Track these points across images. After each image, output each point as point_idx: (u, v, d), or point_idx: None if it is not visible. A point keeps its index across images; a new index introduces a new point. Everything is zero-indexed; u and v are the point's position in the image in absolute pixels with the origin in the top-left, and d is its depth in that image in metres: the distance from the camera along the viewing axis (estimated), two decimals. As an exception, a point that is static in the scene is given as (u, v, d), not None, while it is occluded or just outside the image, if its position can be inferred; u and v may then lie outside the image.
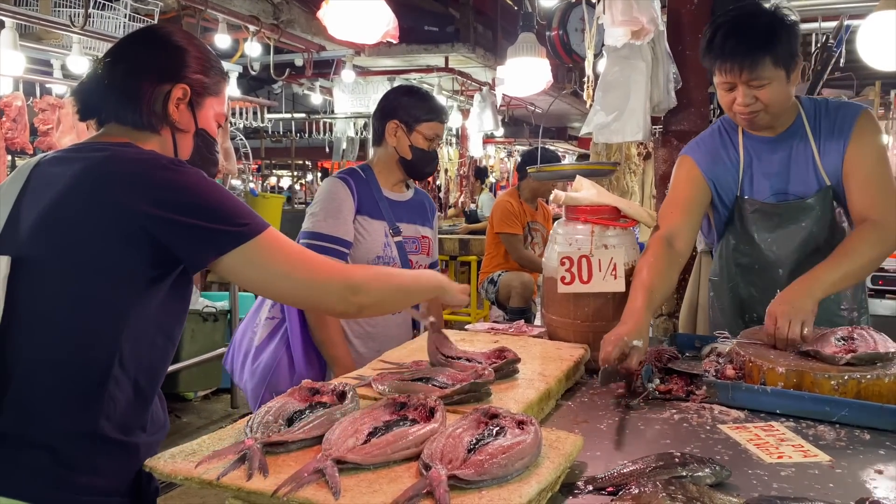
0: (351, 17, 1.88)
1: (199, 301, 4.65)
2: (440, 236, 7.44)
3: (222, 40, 4.53)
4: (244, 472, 1.09)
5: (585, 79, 2.60)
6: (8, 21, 3.45)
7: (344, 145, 8.01)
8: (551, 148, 7.39)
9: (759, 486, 1.16)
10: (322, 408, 1.30)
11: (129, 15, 4.38)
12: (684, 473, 1.13)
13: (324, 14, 1.89)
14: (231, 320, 4.83)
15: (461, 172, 8.78)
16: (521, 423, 1.21)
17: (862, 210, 1.80)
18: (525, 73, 3.03)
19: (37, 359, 1.21)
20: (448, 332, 2.03)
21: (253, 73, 5.00)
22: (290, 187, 17.06)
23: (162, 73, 1.38)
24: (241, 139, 5.16)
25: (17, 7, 3.58)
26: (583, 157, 6.83)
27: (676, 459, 1.17)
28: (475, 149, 9.49)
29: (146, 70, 1.37)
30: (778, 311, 1.62)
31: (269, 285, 1.35)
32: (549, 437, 1.23)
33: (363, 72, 7.45)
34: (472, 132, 8.52)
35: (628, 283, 1.81)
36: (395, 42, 2.40)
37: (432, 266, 2.53)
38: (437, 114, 2.30)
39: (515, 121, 11.57)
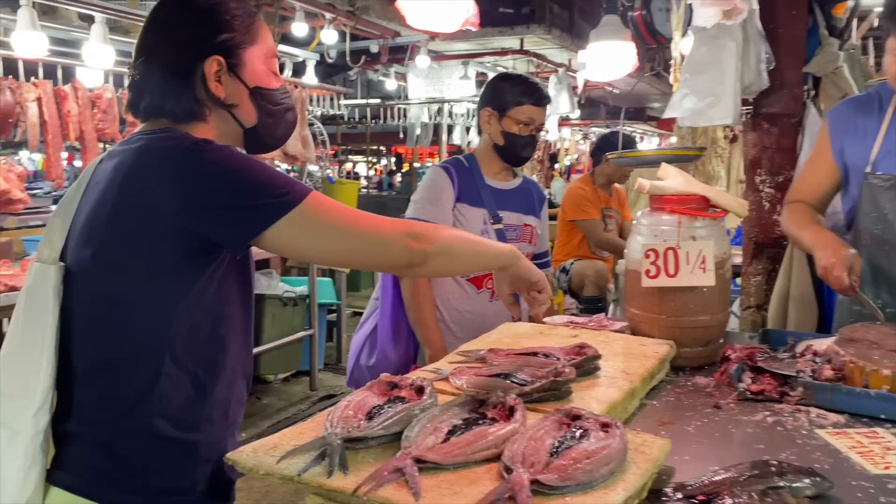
0: (430, 6, 1.85)
1: (279, 286, 4.76)
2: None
3: (299, 28, 4.58)
4: (324, 468, 1.08)
5: (672, 61, 2.48)
6: (98, 16, 3.58)
7: (418, 131, 8.02)
8: (628, 131, 7.19)
9: (865, 501, 1.09)
10: (400, 402, 1.29)
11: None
12: (782, 484, 1.07)
13: (402, 4, 1.86)
14: (310, 305, 4.92)
15: (535, 157, 8.65)
16: (605, 426, 1.16)
17: None
18: (609, 58, 2.93)
19: (92, 361, 1.20)
20: (524, 325, 2.00)
21: (329, 60, 5.03)
22: (390, 171, 17.14)
23: (184, 54, 1.25)
24: (318, 126, 5.22)
25: (106, 2, 3.70)
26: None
27: (773, 468, 1.10)
28: (551, 132, 9.34)
29: (167, 59, 1.26)
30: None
31: (325, 249, 1.23)
32: (635, 440, 1.18)
33: (437, 56, 7.42)
34: (548, 115, 8.39)
35: (718, 278, 1.73)
36: (474, 29, 2.36)
37: (539, 257, 2.49)
38: (529, 96, 2.26)
39: (591, 102, 11.30)
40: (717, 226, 1.78)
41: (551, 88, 7.68)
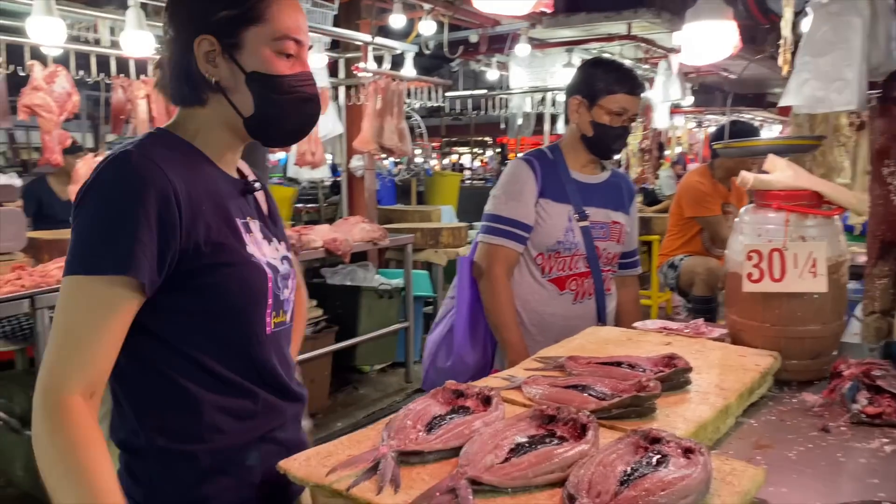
0: None
1: (375, 278, 4.78)
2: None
3: (397, 20, 4.56)
4: (375, 483, 1.02)
5: (782, 41, 2.25)
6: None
7: (519, 121, 7.86)
8: (747, 118, 6.76)
9: None
10: (464, 413, 1.21)
11: (312, 1, 4.53)
12: (897, 532, 0.91)
13: None
14: (405, 297, 4.93)
15: (643, 146, 8.29)
16: (687, 451, 1.04)
17: None
18: (707, 39, 2.70)
19: (115, 377, 1.13)
20: (612, 330, 1.86)
21: (427, 52, 4.99)
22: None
23: (178, 35, 1.17)
24: (416, 119, 5.20)
25: None
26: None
27: (887, 511, 0.94)
28: (661, 120, 8.93)
29: (171, 38, 1.19)
30: None
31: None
32: (723, 468, 1.05)
33: (540, 44, 7.24)
34: (657, 102, 8.02)
35: (832, 283, 1.54)
36: (548, 11, 2.24)
37: (627, 256, 2.34)
38: (623, 85, 2.09)
39: (707, 88, 10.76)
40: (831, 225, 1.58)
41: (660, 74, 7.36)
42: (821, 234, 1.55)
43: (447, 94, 8.23)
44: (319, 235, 4.19)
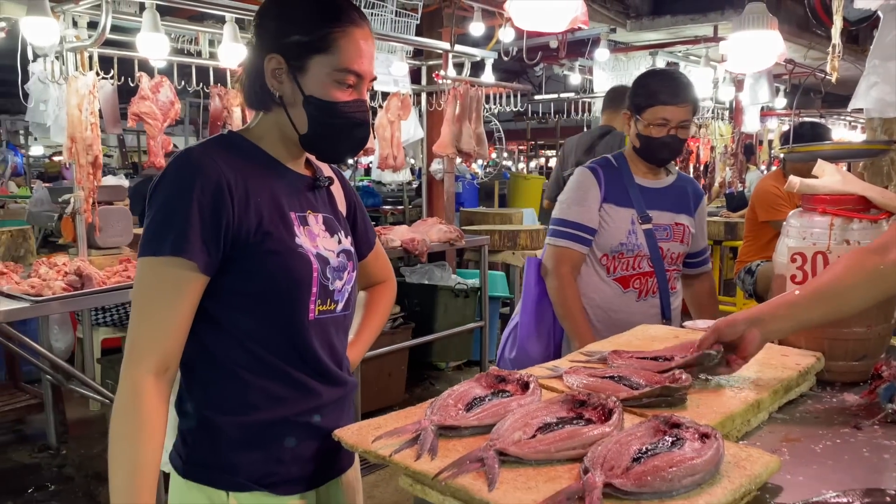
0: (537, 6, 1.85)
1: (452, 278, 4.93)
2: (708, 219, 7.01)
3: (477, 28, 4.69)
4: (415, 451, 1.15)
5: (831, 48, 2.24)
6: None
7: (602, 124, 7.84)
8: (821, 121, 6.51)
9: None
10: (502, 396, 1.33)
11: (395, 11, 4.73)
12: (898, 517, 0.97)
13: (510, 5, 1.88)
14: (481, 297, 5.05)
15: (729, 150, 8.10)
16: (704, 437, 1.11)
17: None
18: (752, 48, 2.71)
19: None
20: (661, 328, 1.93)
21: (505, 59, 5.10)
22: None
23: (258, 48, 1.29)
24: (495, 123, 5.32)
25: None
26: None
27: (888, 498, 1.00)
28: (751, 123, 8.70)
29: (252, 47, 1.32)
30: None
31: None
32: (739, 454, 1.13)
33: (624, 48, 7.22)
34: (746, 105, 7.84)
35: (876, 285, 1.57)
36: (585, 27, 2.31)
37: (694, 256, 2.42)
38: (662, 95, 2.16)
39: (803, 90, 10.37)
40: (878, 229, 1.60)
41: (748, 76, 7.18)
42: (866, 238, 1.57)
43: (536, 97, 8.32)
44: (398, 235, 4.37)
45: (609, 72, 7.42)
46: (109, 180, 3.64)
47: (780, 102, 9.32)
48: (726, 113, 9.27)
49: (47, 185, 6.33)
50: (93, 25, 3.48)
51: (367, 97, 1.35)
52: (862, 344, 1.61)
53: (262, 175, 1.30)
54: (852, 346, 1.61)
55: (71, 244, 3.87)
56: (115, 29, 3.72)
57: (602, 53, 5.71)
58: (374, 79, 1.36)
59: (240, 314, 1.28)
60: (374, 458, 1.17)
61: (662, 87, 2.18)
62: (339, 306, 1.38)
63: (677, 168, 2.42)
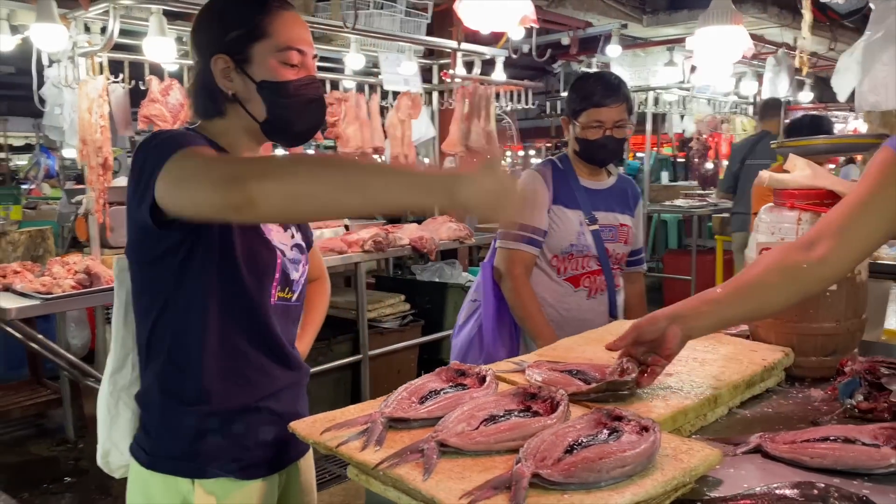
0: (486, 6, 1.87)
1: (462, 276, 4.95)
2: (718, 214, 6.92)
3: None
4: (363, 442, 1.18)
5: (797, 47, 2.21)
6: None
7: (621, 121, 7.79)
8: (823, 114, 6.39)
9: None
10: (458, 390, 1.35)
11: (405, 11, 4.76)
12: (818, 510, 0.97)
13: (460, 6, 1.90)
14: (492, 295, 5.06)
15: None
16: (643, 429, 1.13)
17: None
18: (718, 44, 2.70)
19: (140, 341, 1.40)
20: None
21: (513, 56, 5.11)
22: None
23: (200, 57, 1.36)
24: (507, 121, 5.33)
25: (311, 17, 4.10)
26: None
27: (816, 492, 1.00)
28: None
29: (194, 60, 1.38)
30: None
31: (180, 198, 1.15)
32: (680, 447, 1.14)
33: (643, 43, 7.17)
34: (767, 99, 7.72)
35: (845, 281, 1.56)
36: (536, 26, 2.31)
37: (633, 254, 2.46)
38: (593, 98, 2.19)
39: (828, 83, 10.17)
40: (848, 223, 1.59)
41: (768, 71, 7.08)
42: (834, 233, 1.56)
43: (562, 94, 8.26)
44: (406, 234, 4.41)
45: (627, 68, 7.39)
46: (121, 181, 3.72)
47: (807, 96, 9.17)
48: (749, 108, 9.16)
49: (77, 186, 6.49)
50: (106, 31, 3.57)
51: (315, 73, 1.39)
52: (831, 339, 1.60)
53: None
54: (821, 342, 1.60)
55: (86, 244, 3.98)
56: (126, 33, 3.82)
57: (614, 49, 5.67)
58: (316, 56, 1.40)
59: (207, 298, 1.31)
60: (323, 449, 1.21)
61: (594, 90, 2.20)
62: (295, 296, 1.45)
63: (619, 169, 2.48)
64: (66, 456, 3.99)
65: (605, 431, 1.13)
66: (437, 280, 4.90)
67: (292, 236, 1.47)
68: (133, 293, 1.38)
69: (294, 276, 1.44)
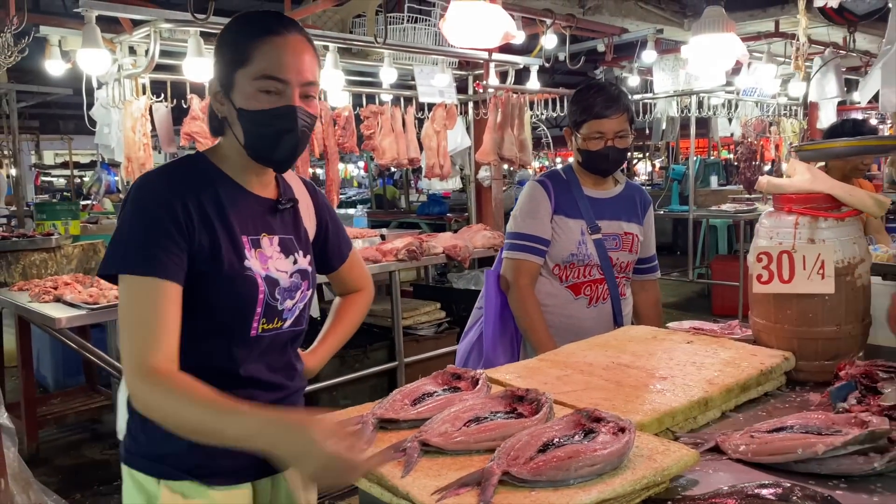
0: (470, 26, 1.91)
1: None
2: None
3: (517, 36, 4.75)
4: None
5: (794, 47, 2.19)
6: (330, 45, 4.12)
7: (663, 125, 7.73)
8: (866, 116, 6.20)
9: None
10: (452, 392, 1.40)
11: (436, 23, 4.85)
12: (781, 509, 0.99)
13: (444, 26, 1.96)
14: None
15: (792, 146, 7.79)
16: (621, 430, 1.16)
17: None
18: (712, 51, 2.68)
19: None
20: (640, 329, 1.95)
21: (546, 65, 5.14)
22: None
23: (209, 81, 1.43)
24: (542, 129, 5.36)
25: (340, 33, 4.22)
26: None
27: (781, 490, 1.02)
28: (826, 119, 8.35)
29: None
30: None
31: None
32: (658, 447, 1.17)
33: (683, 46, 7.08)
34: (818, 100, 7.53)
35: (845, 285, 1.56)
36: (514, 41, 2.33)
37: (644, 262, 2.47)
38: (593, 109, 2.20)
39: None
40: (847, 227, 1.58)
41: (815, 71, 6.91)
42: (833, 236, 1.56)
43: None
44: (441, 242, 4.47)
45: (668, 72, 7.31)
46: (165, 196, 3.88)
47: (860, 96, 8.89)
48: (800, 110, 8.95)
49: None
50: (148, 53, 3.75)
51: (299, 102, 1.36)
52: (833, 343, 1.60)
53: (218, 198, 1.37)
54: (822, 346, 1.60)
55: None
56: (168, 55, 4.01)
57: (649, 55, 5.64)
58: (312, 83, 1.37)
59: (189, 322, 1.31)
60: (316, 449, 1.27)
61: (594, 102, 2.21)
62: (287, 323, 1.44)
63: (625, 177, 2.47)
64: (118, 459, 4.16)
65: (582, 432, 1.17)
66: (472, 287, 4.94)
67: (295, 262, 1.45)
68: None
69: (286, 304, 1.41)
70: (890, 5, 2.22)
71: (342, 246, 1.68)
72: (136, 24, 3.77)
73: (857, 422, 1.21)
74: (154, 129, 3.85)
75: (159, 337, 1.25)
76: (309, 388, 3.87)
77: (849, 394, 1.41)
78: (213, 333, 1.36)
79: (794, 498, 0.99)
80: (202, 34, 3.60)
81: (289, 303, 1.43)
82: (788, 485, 1.03)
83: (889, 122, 9.50)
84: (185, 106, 3.97)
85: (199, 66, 3.57)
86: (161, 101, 3.83)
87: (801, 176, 1.64)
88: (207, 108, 1.48)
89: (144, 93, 3.68)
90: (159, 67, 3.78)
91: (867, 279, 1.61)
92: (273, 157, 1.39)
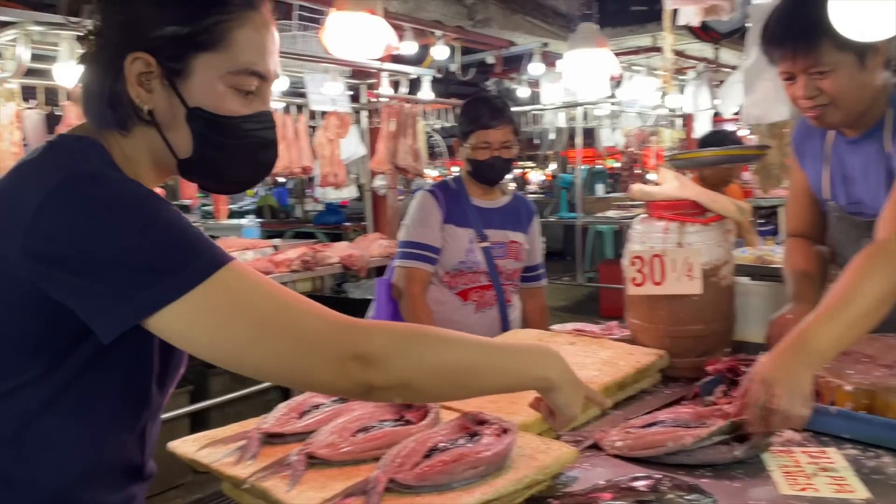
0: (351, 38, 1.95)
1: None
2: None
3: (408, 47, 4.79)
4: (237, 458, 1.22)
5: (661, 64, 2.35)
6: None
7: (552, 136, 7.99)
8: (732, 129, 6.67)
9: (746, 520, 1.03)
10: (341, 404, 1.40)
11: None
12: (652, 499, 1.05)
13: (326, 37, 1.99)
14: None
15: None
16: (504, 431, 1.19)
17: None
18: (586, 66, 2.86)
19: None
20: (530, 331, 2.02)
21: (438, 76, 5.21)
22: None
23: (110, 47, 0.94)
24: (435, 138, 5.42)
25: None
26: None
27: (651, 481, 1.08)
28: (701, 130, 8.88)
29: (98, 44, 0.96)
30: (771, 380, 1.21)
31: (228, 353, 0.89)
32: (540, 447, 1.21)
33: (570, 60, 7.36)
34: (693, 112, 8.00)
35: (711, 285, 1.66)
36: (397, 51, 2.41)
37: (530, 270, 2.54)
38: (479, 120, 2.30)
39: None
40: (713, 231, 1.70)
41: (690, 85, 7.35)
42: (699, 241, 1.66)
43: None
44: (336, 252, 4.44)
45: (556, 84, 7.56)
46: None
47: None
48: (678, 120, 9.47)
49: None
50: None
51: (270, 105, 1.03)
52: (701, 341, 1.70)
53: None
54: (692, 343, 1.70)
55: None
56: (42, 58, 3.78)
57: (536, 67, 5.83)
58: (277, 77, 1.02)
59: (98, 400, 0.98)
60: (199, 467, 1.24)
61: (481, 113, 2.31)
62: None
63: (514, 189, 2.60)
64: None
65: (467, 436, 1.19)
66: (369, 297, 4.92)
67: None
68: None
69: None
70: (747, 25, 2.40)
71: None
72: (2, 25, 3.54)
73: (722, 414, 1.31)
74: (25, 137, 3.62)
75: (318, 306, 0.93)
76: (198, 405, 3.76)
77: (715, 388, 1.51)
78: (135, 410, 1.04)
79: (663, 488, 1.05)
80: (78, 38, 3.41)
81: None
82: (659, 476, 1.09)
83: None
84: (56, 113, 3.76)
85: (72, 72, 3.39)
86: (33, 108, 3.61)
87: (670, 184, 1.74)
88: (85, 90, 0.99)
89: (13, 99, 3.45)
90: (31, 72, 3.56)
91: (731, 280, 1.73)
92: (230, 177, 1.03)
